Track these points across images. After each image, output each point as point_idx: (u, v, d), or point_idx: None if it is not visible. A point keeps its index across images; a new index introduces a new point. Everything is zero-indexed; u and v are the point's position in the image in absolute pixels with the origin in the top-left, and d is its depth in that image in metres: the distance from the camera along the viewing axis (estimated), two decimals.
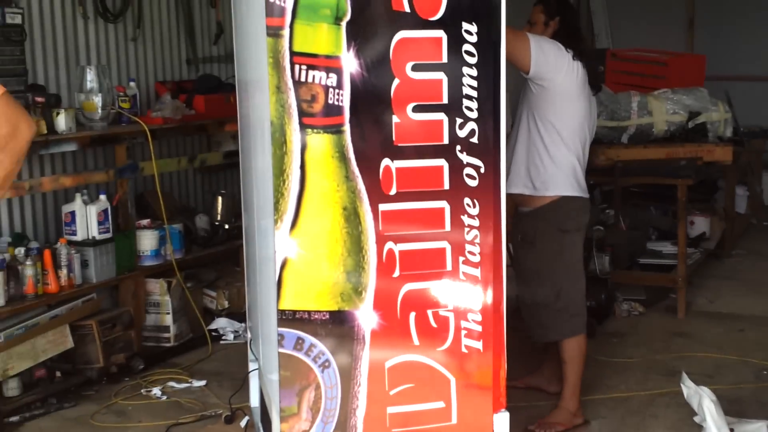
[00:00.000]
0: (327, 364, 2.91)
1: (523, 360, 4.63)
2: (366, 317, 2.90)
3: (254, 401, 4.09)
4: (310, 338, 2.89)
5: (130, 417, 4.27)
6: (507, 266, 3.08)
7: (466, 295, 2.97)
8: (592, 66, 4.14)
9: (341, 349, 2.91)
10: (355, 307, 2.90)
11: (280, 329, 2.87)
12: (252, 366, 4.06)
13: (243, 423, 4.10)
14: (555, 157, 3.99)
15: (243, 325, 5.45)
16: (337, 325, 2.89)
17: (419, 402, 3.00)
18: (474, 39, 2.84)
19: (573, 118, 4.01)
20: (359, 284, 2.89)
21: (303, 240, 2.83)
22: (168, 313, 5.11)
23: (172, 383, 4.67)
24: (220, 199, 5.70)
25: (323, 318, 2.88)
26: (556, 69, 3.90)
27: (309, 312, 2.88)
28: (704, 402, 3.69)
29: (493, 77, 2.89)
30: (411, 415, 3.00)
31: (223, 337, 5.39)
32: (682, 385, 3.91)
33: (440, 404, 3.02)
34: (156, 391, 4.56)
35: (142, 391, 4.58)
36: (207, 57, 6.07)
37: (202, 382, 4.69)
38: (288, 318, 2.87)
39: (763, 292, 6.36)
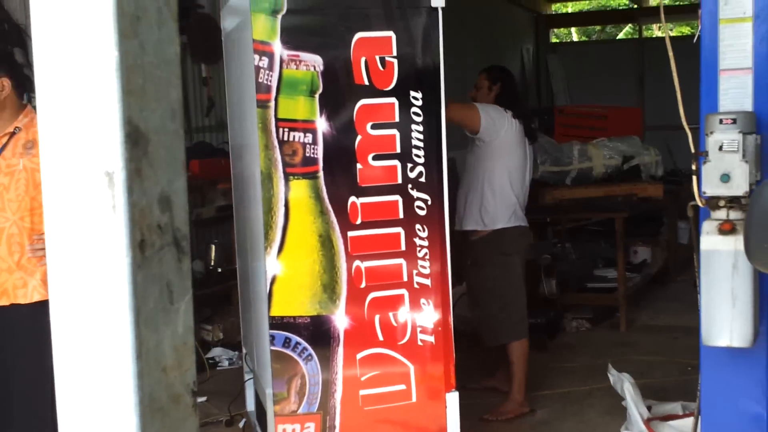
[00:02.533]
0: (310, 357, 3.70)
1: (481, 367, 5.44)
2: (340, 320, 3.70)
3: (250, 406, 4.85)
4: (295, 338, 3.68)
5: None
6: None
7: (420, 299, 3.77)
8: (528, 122, 5.00)
9: (321, 346, 3.70)
10: (331, 312, 3.70)
11: (271, 331, 3.66)
12: (247, 376, 4.82)
13: (241, 424, 4.84)
14: (499, 198, 4.84)
15: (236, 353, 6.25)
16: (316, 327, 3.69)
17: (385, 385, 3.78)
18: (419, 103, 3.69)
19: (513, 165, 4.87)
20: (333, 294, 3.69)
21: (288, 261, 3.64)
22: None
23: None
24: (213, 247, 6.51)
25: (305, 322, 3.68)
26: (499, 128, 4.77)
27: (294, 317, 3.67)
28: (625, 385, 4.48)
29: (436, 131, 3.73)
30: (379, 396, 3.78)
31: (219, 364, 6.14)
32: (608, 374, 4.71)
33: (402, 387, 3.80)
34: None
35: None
36: (200, 127, 6.92)
37: (203, 398, 5.43)
38: (277, 323, 3.66)
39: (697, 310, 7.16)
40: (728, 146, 2.95)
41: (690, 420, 4.32)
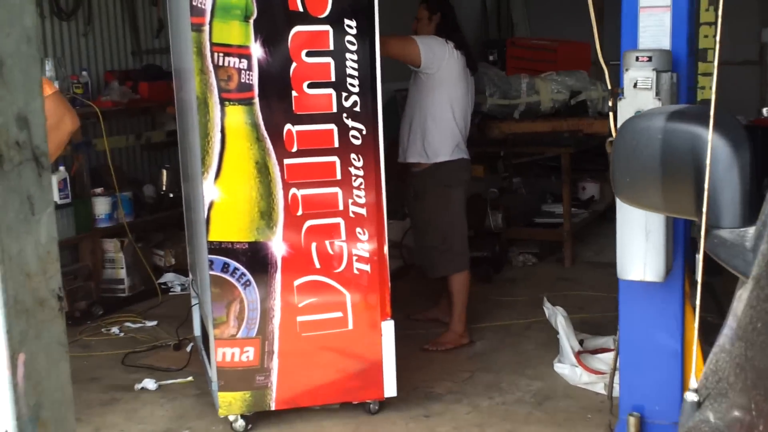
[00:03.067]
0: (248, 283, 3.78)
1: (426, 299, 5.58)
2: (277, 246, 3.78)
3: (197, 331, 4.95)
4: (233, 263, 3.75)
5: (93, 348, 5.10)
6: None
7: (356, 228, 3.86)
8: (470, 52, 5.05)
9: (259, 271, 3.78)
10: (268, 238, 3.77)
11: (210, 256, 3.73)
12: (194, 301, 4.92)
13: (188, 348, 4.94)
14: (442, 130, 4.89)
15: (188, 278, 6.32)
16: (254, 253, 3.77)
17: (322, 312, 3.88)
18: (354, 32, 3.72)
19: (456, 96, 4.92)
20: (271, 221, 3.76)
21: (225, 187, 3.69)
22: (122, 268, 5.92)
23: (128, 324, 5.50)
24: (164, 171, 6.52)
25: (243, 247, 3.75)
26: (440, 59, 4.81)
27: (232, 242, 3.74)
28: (558, 318, 4.62)
29: (371, 61, 3.77)
30: (316, 322, 3.88)
31: (171, 289, 6.21)
32: (543, 307, 4.85)
33: (339, 314, 3.90)
34: (114, 329, 5.39)
35: (102, 330, 5.40)
36: (150, 49, 6.87)
37: (154, 322, 5.52)
38: (215, 248, 3.73)
39: None
40: (642, 83, 3.03)
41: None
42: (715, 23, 5.06)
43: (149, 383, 4.47)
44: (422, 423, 4.03)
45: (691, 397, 1.27)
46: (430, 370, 4.63)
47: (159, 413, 4.19)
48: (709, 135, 1.31)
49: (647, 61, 3.05)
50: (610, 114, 3.14)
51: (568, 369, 4.52)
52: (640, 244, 3.20)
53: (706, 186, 1.32)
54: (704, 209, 1.27)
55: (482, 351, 4.97)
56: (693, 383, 1.27)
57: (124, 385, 4.52)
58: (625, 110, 3.07)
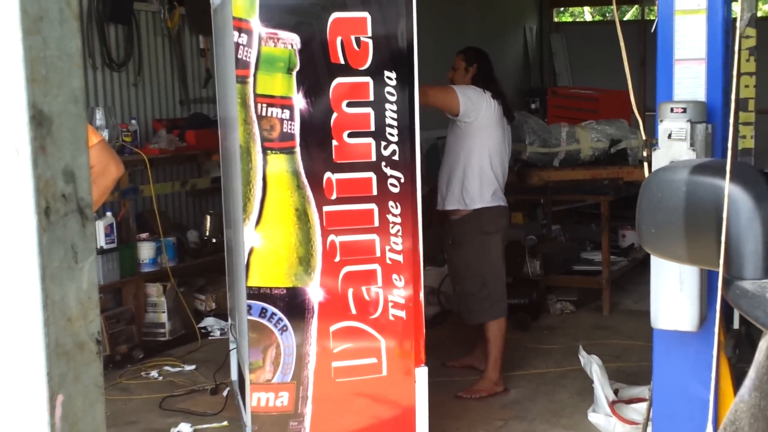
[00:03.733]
0: (285, 328, 3.84)
1: (461, 345, 5.59)
2: (314, 292, 3.84)
3: (233, 375, 5.01)
4: (271, 308, 3.82)
5: (132, 392, 5.17)
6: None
7: (392, 275, 3.90)
8: (506, 101, 5.11)
9: (296, 317, 3.84)
10: (305, 284, 3.83)
11: (248, 301, 3.80)
12: (232, 345, 4.98)
13: (225, 393, 5.00)
14: (480, 177, 4.95)
15: (228, 323, 6.39)
16: (292, 298, 3.83)
17: (356, 358, 3.92)
18: (394, 83, 3.80)
19: (493, 144, 4.98)
20: (309, 267, 3.82)
21: (265, 233, 3.77)
22: (164, 312, 6.02)
23: (167, 367, 5.57)
24: (208, 217, 6.64)
25: (281, 293, 3.82)
26: (478, 108, 4.88)
27: (270, 288, 3.81)
28: (593, 367, 4.61)
29: (409, 111, 3.84)
30: (350, 368, 3.92)
31: (211, 334, 6.29)
32: (579, 356, 4.84)
33: (373, 360, 3.94)
34: (154, 373, 5.47)
35: (142, 374, 5.48)
36: (197, 98, 7.04)
37: (192, 367, 5.59)
38: (254, 293, 3.80)
39: None
40: (677, 134, 3.07)
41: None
42: (738, 73, 5.08)
43: (185, 427, 4.53)
44: None
45: None
46: (464, 418, 4.63)
47: None
48: (726, 184, 1.35)
49: (682, 112, 3.09)
50: (645, 164, 3.17)
51: (602, 419, 4.49)
52: (674, 293, 3.20)
53: (723, 236, 1.35)
54: (721, 259, 1.30)
55: (516, 399, 4.96)
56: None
57: (160, 428, 4.58)
58: (660, 160, 3.10)
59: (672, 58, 3.27)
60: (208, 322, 6.37)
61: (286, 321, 3.83)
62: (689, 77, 3.24)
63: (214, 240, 6.63)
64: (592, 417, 4.54)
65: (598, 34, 11.47)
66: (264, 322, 3.82)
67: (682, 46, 3.15)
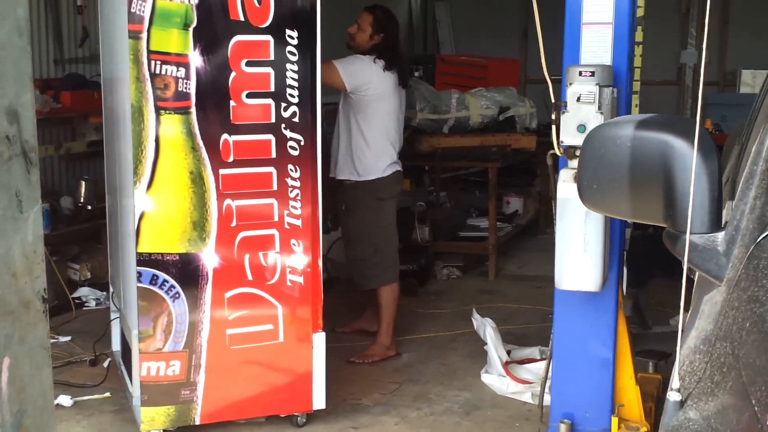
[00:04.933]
0: (177, 295, 3.70)
1: (351, 311, 5.56)
2: (209, 258, 3.71)
3: (116, 346, 4.82)
4: (162, 275, 3.67)
5: None
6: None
7: (290, 240, 3.82)
8: (404, 68, 5.03)
9: (189, 284, 3.70)
10: (199, 250, 3.70)
11: (139, 268, 3.64)
12: (113, 315, 4.79)
13: (105, 364, 4.79)
14: (373, 148, 4.88)
15: (104, 293, 6.15)
16: (185, 265, 3.69)
17: (252, 325, 3.82)
18: (295, 42, 3.69)
19: (387, 113, 4.91)
20: (203, 232, 3.69)
21: (157, 197, 3.61)
22: None
23: None
24: (83, 183, 6.34)
25: (174, 259, 3.67)
26: (368, 82, 4.79)
27: (162, 254, 3.66)
28: (486, 330, 4.65)
29: (311, 72, 3.74)
30: (246, 335, 3.82)
31: (86, 304, 6.02)
32: (472, 318, 4.88)
33: (269, 326, 3.85)
34: None
35: None
36: (73, 58, 6.69)
37: (68, 338, 5.33)
38: (145, 259, 3.64)
39: None
40: (585, 98, 3.08)
41: (542, 363, 4.54)
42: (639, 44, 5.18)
43: (64, 400, 4.31)
44: None
45: (674, 396, 1.28)
46: (357, 383, 4.60)
47: (75, 430, 4.06)
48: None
49: (590, 75, 3.11)
50: (553, 127, 3.18)
51: (495, 379, 4.55)
52: (578, 256, 3.24)
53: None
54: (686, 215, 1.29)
55: (409, 363, 4.96)
56: (675, 383, 1.28)
57: None
58: (569, 123, 3.12)
59: (580, 22, 3.28)
60: (83, 292, 6.10)
61: (178, 288, 3.70)
62: (596, 41, 3.26)
63: (89, 207, 6.36)
64: (485, 378, 4.59)
65: (482, 3, 11.58)
66: (155, 289, 3.67)
67: (590, 10, 3.17)
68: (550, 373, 3.66)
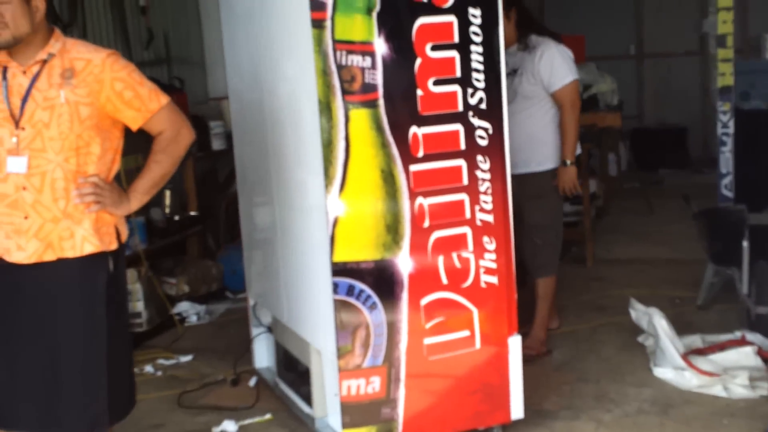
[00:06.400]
0: (374, 306, 3.39)
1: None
2: (404, 263, 3.40)
3: (260, 363, 4.50)
4: (359, 285, 3.35)
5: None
6: None
7: (483, 237, 3.51)
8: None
9: (385, 292, 3.39)
10: (394, 255, 3.39)
11: (335, 279, 3.32)
12: (256, 331, 4.46)
13: (252, 383, 4.46)
14: (556, 137, 4.63)
15: (203, 307, 5.83)
16: (381, 272, 3.38)
17: (449, 332, 3.52)
18: (479, 21, 3.38)
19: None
20: (397, 235, 3.38)
21: (350, 200, 3.30)
22: (139, 300, 5.37)
23: (160, 360, 4.97)
24: (168, 193, 6.00)
25: (369, 267, 3.36)
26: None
27: (357, 262, 3.34)
28: (655, 319, 4.37)
29: (495, 53, 3.44)
30: (443, 344, 3.51)
31: (187, 320, 5.69)
32: (630, 309, 4.60)
33: (466, 333, 3.55)
34: (148, 368, 4.85)
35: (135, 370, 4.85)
36: (140, 62, 6.33)
37: (189, 357, 5.00)
38: (340, 269, 3.33)
39: (644, 240, 7.25)
40: None
41: (726, 353, 4.28)
42: None
43: (229, 425, 3.99)
44: None
45: None
46: (526, 385, 4.29)
47: None
48: None
49: None
50: None
51: (671, 373, 4.26)
52: None
53: None
54: None
55: (565, 360, 4.67)
56: None
57: (198, 429, 4.03)
58: None
59: None
60: (183, 307, 5.76)
61: (375, 298, 3.38)
62: None
63: (176, 217, 6.02)
64: (659, 372, 4.31)
65: None
66: (352, 300, 3.36)
67: None
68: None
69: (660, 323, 4.34)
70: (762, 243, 4.85)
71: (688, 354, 4.31)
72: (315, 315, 3.58)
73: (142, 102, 2.94)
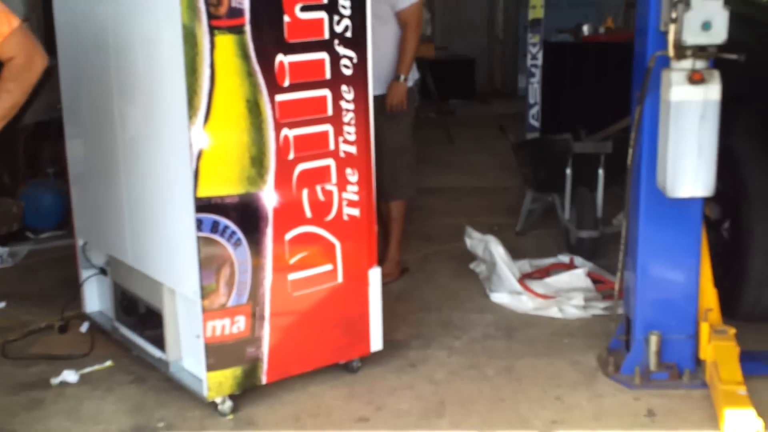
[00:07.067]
0: (239, 242, 3.24)
1: None
2: (269, 197, 3.27)
3: (91, 307, 4.21)
4: (223, 220, 3.20)
5: None
6: None
7: (346, 169, 3.44)
8: None
9: (249, 228, 3.26)
10: (259, 188, 3.25)
11: (199, 215, 3.14)
12: (86, 273, 4.17)
13: (83, 329, 4.18)
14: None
15: (6, 249, 5.39)
16: (245, 207, 3.23)
17: (313, 267, 3.44)
18: None
19: None
20: (262, 168, 3.24)
21: (215, 132, 3.11)
22: None
23: None
24: None
25: (234, 201, 3.21)
26: None
27: (222, 197, 3.18)
28: (492, 246, 4.50)
29: None
30: (307, 279, 3.44)
31: None
32: (466, 238, 4.72)
33: (329, 266, 3.49)
34: None
35: None
36: None
37: (1, 304, 4.62)
38: (204, 204, 3.15)
39: (451, 170, 7.45)
40: None
41: (558, 276, 4.49)
42: None
43: (69, 375, 3.72)
44: (414, 373, 3.74)
45: None
46: None
47: (109, 409, 3.50)
48: None
49: None
50: (671, 26, 3.04)
51: (507, 298, 4.43)
52: (693, 160, 3.15)
53: None
54: None
55: (403, 290, 4.73)
56: None
57: (33, 382, 3.73)
58: (692, 21, 3.01)
59: None
60: None
61: (240, 234, 3.24)
62: None
63: None
64: (495, 297, 4.46)
65: None
66: (216, 237, 3.20)
67: None
68: (630, 283, 3.59)
69: (497, 250, 4.48)
70: (581, 170, 5.09)
71: (523, 278, 4.48)
72: (172, 254, 3.38)
73: None
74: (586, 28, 7.08)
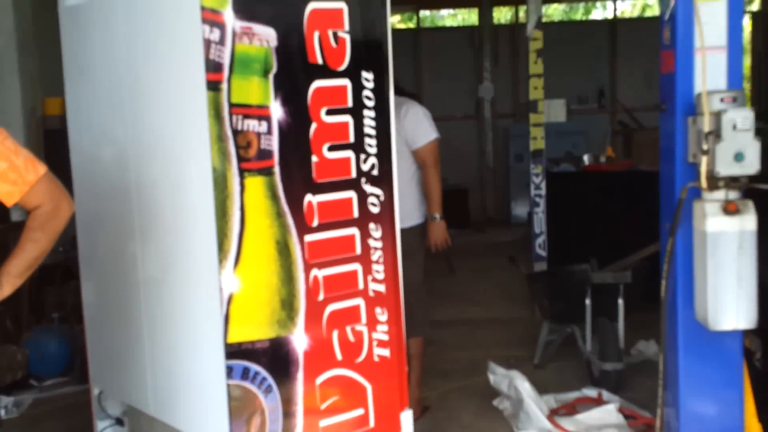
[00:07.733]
0: (269, 389, 3.12)
1: None
2: (299, 340, 3.17)
3: None
4: (254, 367, 3.08)
5: None
6: None
7: (375, 309, 3.36)
8: None
9: (280, 373, 3.14)
10: (290, 332, 3.15)
11: (230, 362, 3.03)
12: (102, 423, 4.01)
13: None
14: (416, 189, 4.74)
15: (11, 399, 5.23)
16: (275, 351, 3.12)
17: (344, 412, 3.31)
18: (371, 85, 3.27)
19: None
20: (292, 311, 3.15)
21: (245, 275, 3.04)
22: None
23: None
24: None
25: (264, 346, 3.10)
26: None
27: (252, 342, 3.08)
28: (517, 382, 4.38)
29: (386, 118, 3.33)
30: (339, 425, 3.30)
31: None
32: (489, 374, 4.60)
33: (360, 411, 3.36)
34: None
35: None
36: None
37: None
38: (234, 351, 3.04)
39: (458, 301, 7.38)
40: (741, 124, 2.96)
41: (589, 412, 4.36)
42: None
43: None
44: None
45: None
46: None
47: None
48: None
49: (732, 101, 2.99)
50: (703, 158, 3.02)
51: None
52: (733, 293, 3.09)
53: None
54: None
55: (427, 430, 4.57)
56: None
57: None
58: (725, 153, 2.99)
59: (692, 47, 3.17)
60: None
61: (270, 380, 3.12)
62: (712, 66, 3.15)
63: None
64: None
65: None
66: (247, 384, 3.08)
67: (706, 34, 3.08)
68: (672, 417, 3.47)
69: (523, 385, 4.36)
70: (599, 300, 5.02)
71: (552, 415, 4.34)
72: (199, 403, 3.25)
73: (18, 173, 2.56)
74: (586, 158, 7.15)
